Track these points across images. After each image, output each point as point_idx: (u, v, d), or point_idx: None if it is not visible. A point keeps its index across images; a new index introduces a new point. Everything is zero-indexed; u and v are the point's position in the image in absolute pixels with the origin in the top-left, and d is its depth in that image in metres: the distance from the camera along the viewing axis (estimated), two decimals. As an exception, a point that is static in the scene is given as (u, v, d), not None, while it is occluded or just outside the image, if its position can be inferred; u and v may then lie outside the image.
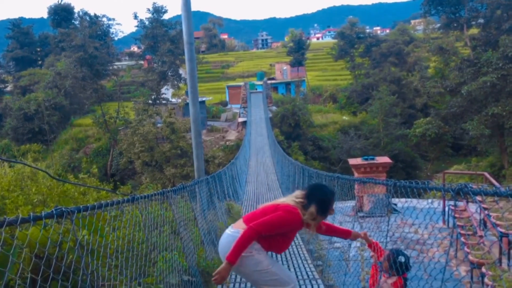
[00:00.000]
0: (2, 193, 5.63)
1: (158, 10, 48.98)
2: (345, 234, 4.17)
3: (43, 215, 2.25)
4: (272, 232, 3.45)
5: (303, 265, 7.11)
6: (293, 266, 7.09)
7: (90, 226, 3.04)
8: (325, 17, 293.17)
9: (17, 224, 2.04)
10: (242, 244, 3.34)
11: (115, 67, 55.31)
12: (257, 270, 3.48)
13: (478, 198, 7.47)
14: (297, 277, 6.49)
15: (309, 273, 6.68)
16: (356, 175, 13.43)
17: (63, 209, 2.42)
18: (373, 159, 13.97)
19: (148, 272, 4.14)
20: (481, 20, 41.65)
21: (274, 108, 48.72)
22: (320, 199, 3.53)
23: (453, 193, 2.83)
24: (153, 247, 4.41)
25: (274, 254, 6.90)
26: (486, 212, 7.86)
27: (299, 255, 7.84)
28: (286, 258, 7.57)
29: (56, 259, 2.55)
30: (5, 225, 1.97)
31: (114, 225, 3.63)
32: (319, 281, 6.23)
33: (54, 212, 2.37)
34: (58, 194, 5.84)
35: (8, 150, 43.24)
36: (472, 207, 9.68)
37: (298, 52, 65.80)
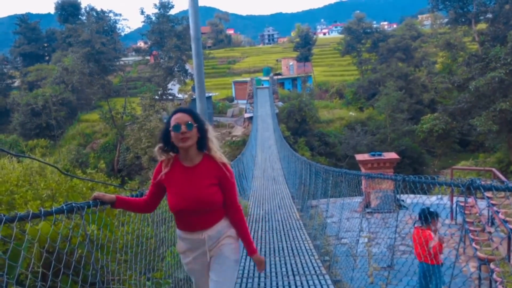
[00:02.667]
0: (11, 188, 5.66)
1: (164, 6, 49.00)
2: (247, 246, 3.10)
3: (53, 210, 2.25)
4: (153, 189, 2.97)
5: (310, 260, 7.11)
6: (300, 261, 7.09)
7: (99, 221, 3.05)
8: (331, 12, 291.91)
9: (29, 219, 2.05)
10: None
11: (121, 62, 55.46)
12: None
13: (488, 194, 7.43)
14: (304, 272, 6.49)
15: (316, 268, 6.68)
16: (363, 171, 13.39)
17: (73, 204, 2.43)
18: (380, 155, 13.93)
19: (156, 267, 4.16)
20: (489, 15, 41.31)
21: (280, 103, 48.64)
22: (161, 132, 2.98)
23: (463, 188, 2.81)
24: (161, 242, 4.42)
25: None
26: (495, 208, 7.81)
27: (306, 250, 7.84)
28: (294, 254, 7.57)
29: (66, 254, 2.57)
30: (17, 220, 1.98)
31: (123, 220, 3.64)
32: (326, 277, 6.23)
33: (64, 207, 2.37)
34: (66, 189, 5.87)
35: (16, 145, 43.49)
36: (480, 203, 9.63)
37: (304, 48, 65.60)
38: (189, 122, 2.79)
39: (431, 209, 5.66)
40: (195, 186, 2.84)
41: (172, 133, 2.79)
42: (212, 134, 2.93)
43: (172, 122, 2.81)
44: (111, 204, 2.84)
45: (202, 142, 2.87)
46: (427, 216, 5.51)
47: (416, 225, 5.81)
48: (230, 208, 2.99)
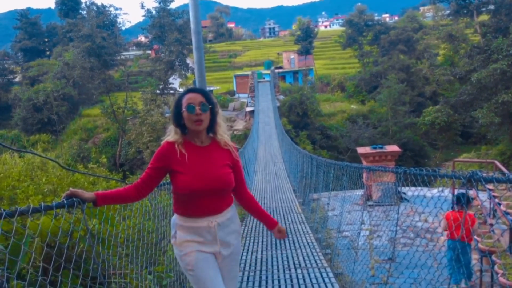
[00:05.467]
0: (13, 183, 5.68)
1: (165, 0, 48.86)
2: (268, 221, 3.06)
3: (54, 204, 2.26)
4: (153, 173, 2.74)
5: (312, 254, 7.13)
6: (302, 254, 7.10)
7: (100, 216, 3.06)
8: (333, 5, 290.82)
9: (29, 214, 2.05)
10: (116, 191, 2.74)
11: (122, 57, 55.41)
12: (180, 263, 2.82)
13: (489, 186, 7.43)
14: (305, 265, 6.51)
15: (318, 261, 6.69)
16: (364, 164, 13.38)
17: (74, 198, 2.43)
18: (382, 147, 13.91)
19: (158, 260, 4.18)
20: (491, 6, 41.10)
21: (281, 97, 48.56)
22: (173, 110, 2.80)
23: (464, 180, 2.80)
24: (162, 236, 4.44)
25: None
26: (496, 200, 7.81)
27: (308, 243, 7.86)
28: (295, 247, 7.59)
29: (67, 249, 2.57)
30: (17, 215, 1.98)
31: (124, 215, 3.65)
32: (328, 269, 6.24)
33: (65, 201, 2.38)
34: (68, 184, 5.89)
35: (18, 140, 43.62)
36: (482, 196, 9.62)
37: (305, 41, 65.32)
38: (204, 103, 2.67)
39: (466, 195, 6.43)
40: (211, 165, 2.71)
41: (185, 114, 2.66)
42: (221, 117, 2.82)
43: (185, 103, 2.68)
44: (92, 203, 2.55)
45: (211, 125, 2.76)
46: (468, 199, 6.07)
47: (455, 209, 6.45)
48: (242, 190, 2.93)
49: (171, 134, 2.75)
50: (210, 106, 2.70)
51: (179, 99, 2.73)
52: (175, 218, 2.80)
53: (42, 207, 2.15)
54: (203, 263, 2.69)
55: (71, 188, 2.51)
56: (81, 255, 2.85)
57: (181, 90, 49.43)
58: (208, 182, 2.66)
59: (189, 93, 2.74)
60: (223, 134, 2.79)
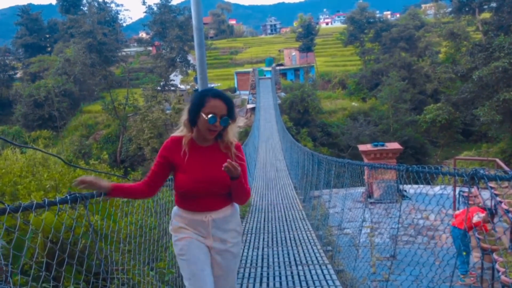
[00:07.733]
0: (15, 179, 5.68)
1: (166, -4, 48.83)
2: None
3: (57, 200, 2.26)
4: (158, 170, 2.76)
5: (313, 250, 7.13)
6: (303, 251, 7.11)
7: (103, 212, 3.06)
8: (334, 2, 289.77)
9: (32, 209, 2.06)
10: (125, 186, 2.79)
11: (123, 53, 55.42)
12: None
13: (491, 184, 7.42)
14: (306, 262, 6.51)
15: (319, 258, 6.69)
16: (365, 161, 13.39)
17: (77, 194, 2.43)
18: (383, 145, 13.92)
19: (160, 257, 4.18)
20: (493, 4, 40.98)
21: (283, 94, 48.53)
22: (190, 104, 2.74)
23: (467, 178, 2.79)
24: (164, 232, 4.44)
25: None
26: (498, 198, 7.81)
27: (309, 240, 7.86)
28: (296, 244, 7.59)
29: (70, 244, 2.58)
30: (21, 210, 1.99)
31: (126, 211, 3.66)
32: (329, 266, 6.24)
33: (68, 197, 2.38)
34: (69, 180, 5.88)
35: (19, 136, 43.60)
36: (484, 194, 9.62)
37: (307, 38, 65.22)
38: (226, 118, 2.63)
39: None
40: (209, 166, 2.69)
41: (203, 120, 2.60)
42: (235, 123, 2.76)
43: (208, 109, 2.60)
44: (107, 193, 2.60)
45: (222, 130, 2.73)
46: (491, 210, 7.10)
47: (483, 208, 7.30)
48: None
49: (181, 129, 2.76)
50: (231, 120, 2.67)
51: (202, 99, 2.65)
52: (175, 208, 2.84)
53: (46, 203, 2.16)
54: (195, 248, 2.71)
55: (91, 178, 2.51)
56: (84, 251, 2.86)
57: (182, 87, 49.39)
58: (202, 183, 2.67)
59: (216, 98, 2.65)
60: (230, 138, 2.75)
